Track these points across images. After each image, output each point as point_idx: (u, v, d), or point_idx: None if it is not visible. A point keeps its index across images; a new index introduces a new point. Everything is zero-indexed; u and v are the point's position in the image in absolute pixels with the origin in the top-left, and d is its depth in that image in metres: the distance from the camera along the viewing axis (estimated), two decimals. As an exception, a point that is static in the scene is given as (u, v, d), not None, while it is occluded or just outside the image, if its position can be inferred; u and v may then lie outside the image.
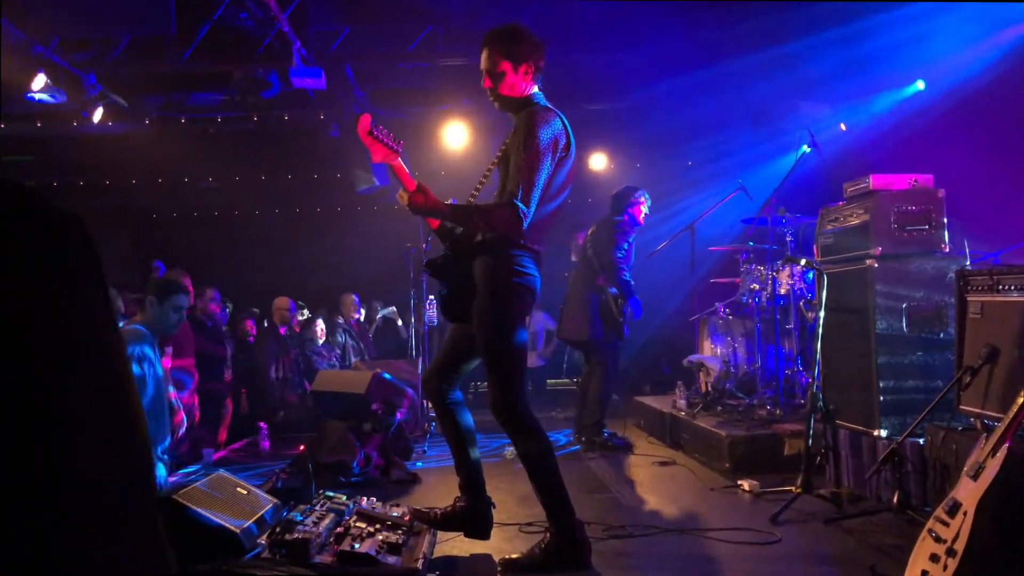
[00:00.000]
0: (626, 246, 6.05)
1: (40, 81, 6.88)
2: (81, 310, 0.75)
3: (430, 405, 6.77)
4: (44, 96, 7.07)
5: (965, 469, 2.56)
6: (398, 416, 5.76)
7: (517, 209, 3.08)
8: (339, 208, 12.26)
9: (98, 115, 7.93)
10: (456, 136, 8.88)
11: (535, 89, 3.38)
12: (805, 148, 5.77)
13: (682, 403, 6.36)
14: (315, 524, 3.16)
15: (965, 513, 2.40)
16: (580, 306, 6.20)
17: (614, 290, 6.02)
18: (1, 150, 9.66)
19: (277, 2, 6.37)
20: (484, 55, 3.33)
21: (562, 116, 3.30)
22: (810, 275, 6.05)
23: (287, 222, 12.37)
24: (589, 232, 6.36)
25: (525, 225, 3.12)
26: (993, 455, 2.45)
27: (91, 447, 0.74)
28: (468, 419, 3.47)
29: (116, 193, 11.68)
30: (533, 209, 3.12)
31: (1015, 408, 2.49)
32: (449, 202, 3.24)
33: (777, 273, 6.16)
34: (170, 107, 9.03)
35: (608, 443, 6.06)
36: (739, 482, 4.66)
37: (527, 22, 7.08)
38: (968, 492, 2.45)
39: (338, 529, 3.26)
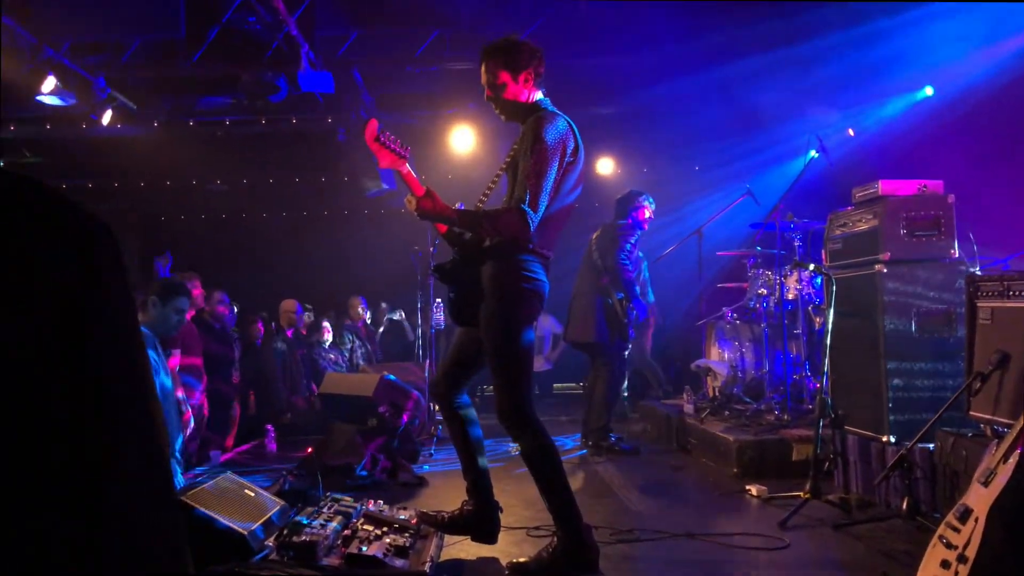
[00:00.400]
0: (629, 248, 6.06)
1: (50, 84, 6.92)
2: (107, 319, 0.76)
3: (437, 408, 6.82)
4: (53, 99, 7.11)
5: (976, 475, 2.55)
6: (405, 419, 5.76)
7: (525, 214, 3.08)
8: (346, 211, 12.29)
9: (107, 118, 7.98)
10: (463, 140, 8.89)
11: (540, 95, 3.39)
12: (813, 153, 5.76)
13: (690, 407, 6.35)
14: (322, 526, 3.16)
15: (976, 519, 2.39)
16: (586, 308, 6.20)
17: (620, 293, 6.04)
18: (10, 152, 9.71)
19: (286, 6, 6.40)
20: (483, 69, 3.36)
21: (570, 120, 3.31)
22: (818, 280, 6.04)
23: (295, 225, 12.41)
24: (594, 236, 6.37)
25: (533, 229, 3.12)
26: (1004, 461, 2.44)
27: (114, 451, 0.74)
28: (476, 423, 3.47)
29: (124, 196, 11.74)
30: (541, 214, 3.12)
31: (1027, 414, 2.48)
32: (456, 207, 3.23)
33: (785, 278, 6.14)
34: (179, 110, 9.07)
35: (615, 447, 6.05)
36: (747, 487, 4.65)
37: (534, 26, 7.12)
38: (979, 498, 2.44)
39: (345, 532, 3.27)
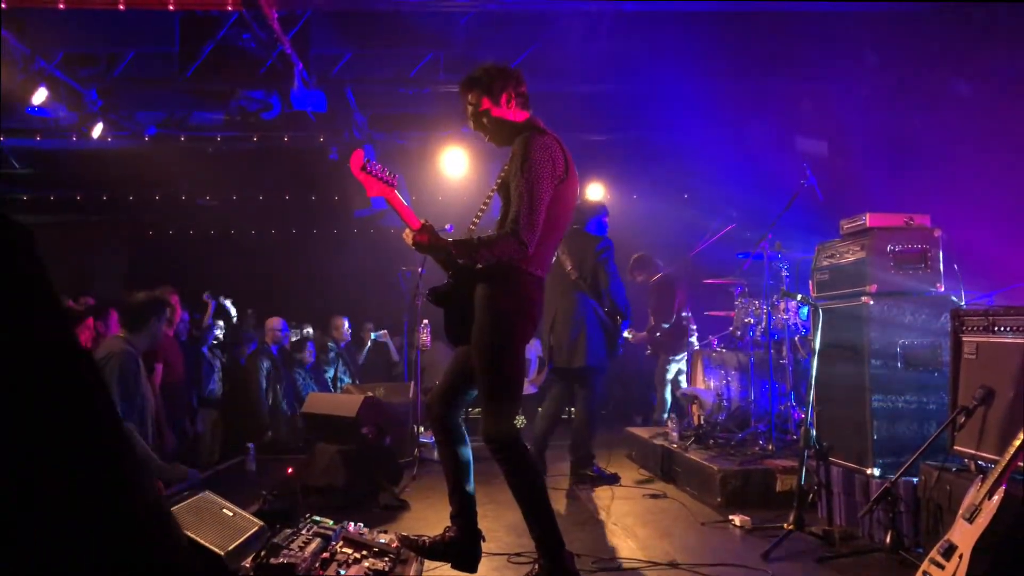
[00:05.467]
0: (614, 266, 5.96)
1: (41, 95, 6.88)
2: (36, 322, 0.74)
3: (420, 431, 6.76)
4: (44, 109, 7.07)
5: (961, 511, 2.54)
6: (388, 441, 5.71)
7: (520, 237, 3.08)
8: (335, 230, 12.28)
9: (98, 130, 7.94)
10: (455, 162, 8.90)
11: (528, 115, 3.42)
12: (802, 183, 5.79)
13: (674, 435, 6.32)
14: (301, 549, 3.12)
15: (961, 556, 2.38)
16: (576, 331, 5.88)
17: (601, 310, 5.90)
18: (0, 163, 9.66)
19: (281, 25, 6.41)
20: (465, 102, 3.42)
21: (558, 139, 3.33)
22: (805, 311, 6.05)
23: (283, 242, 12.38)
24: (561, 254, 5.98)
25: (531, 251, 3.13)
26: (989, 497, 2.43)
27: (55, 460, 0.72)
28: (467, 448, 3.44)
29: (113, 209, 11.70)
30: (538, 234, 3.12)
31: (1012, 450, 2.47)
32: (446, 229, 3.24)
33: (772, 307, 6.15)
34: (170, 125, 9.05)
35: (596, 474, 5.92)
36: (730, 517, 4.62)
37: (528, 51, 7.17)
38: (964, 534, 2.43)
39: (324, 554, 3.22)
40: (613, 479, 5.95)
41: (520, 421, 6.37)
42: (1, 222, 0.73)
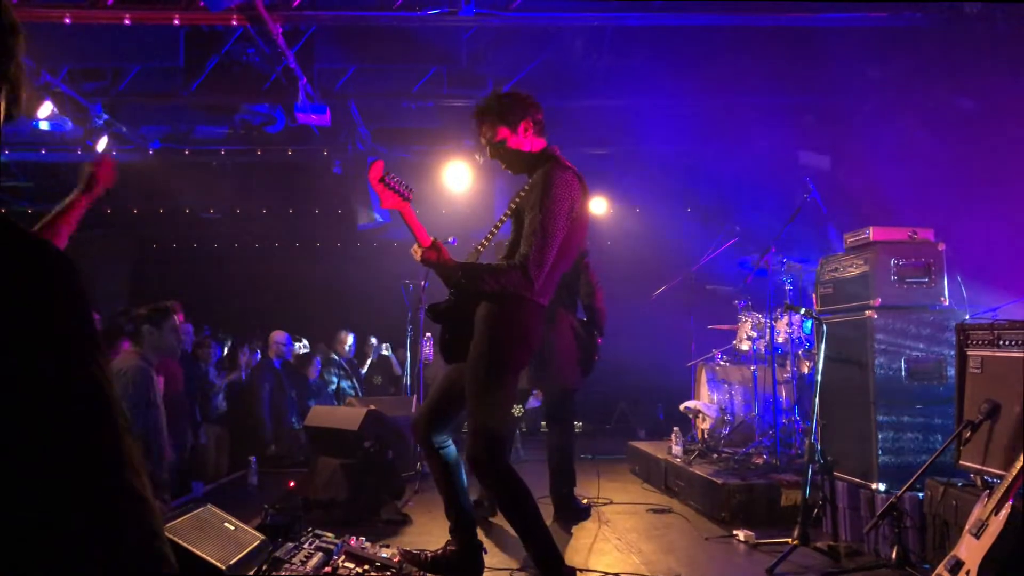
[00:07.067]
0: None
1: (46, 109, 6.92)
2: (63, 349, 0.74)
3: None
4: (48, 123, 7.11)
5: (967, 527, 2.52)
6: (390, 455, 5.68)
7: (528, 273, 3.08)
8: (339, 243, 12.30)
9: (102, 144, 7.97)
10: (458, 176, 8.90)
11: (544, 144, 3.39)
12: (805, 197, 5.79)
13: (678, 450, 6.29)
14: (303, 563, 3.10)
15: (968, 572, 2.36)
16: (569, 345, 5.09)
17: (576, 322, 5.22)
18: (4, 175, 9.70)
19: (285, 39, 6.44)
20: (481, 131, 3.38)
21: (578, 174, 3.31)
22: (808, 324, 6.03)
23: (287, 256, 12.40)
24: None
25: (537, 287, 3.11)
26: (996, 513, 2.41)
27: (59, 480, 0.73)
28: (458, 461, 3.42)
29: (117, 222, 11.72)
30: (546, 271, 3.11)
31: (1019, 465, 2.46)
32: (449, 241, 3.24)
33: (776, 321, 6.14)
34: (175, 139, 9.09)
35: (579, 506, 5.24)
36: (735, 532, 4.59)
37: (531, 67, 7.20)
38: (971, 550, 2.41)
39: (326, 569, 3.20)
40: (587, 512, 5.24)
41: (518, 410, 5.87)
42: (46, 251, 0.74)
